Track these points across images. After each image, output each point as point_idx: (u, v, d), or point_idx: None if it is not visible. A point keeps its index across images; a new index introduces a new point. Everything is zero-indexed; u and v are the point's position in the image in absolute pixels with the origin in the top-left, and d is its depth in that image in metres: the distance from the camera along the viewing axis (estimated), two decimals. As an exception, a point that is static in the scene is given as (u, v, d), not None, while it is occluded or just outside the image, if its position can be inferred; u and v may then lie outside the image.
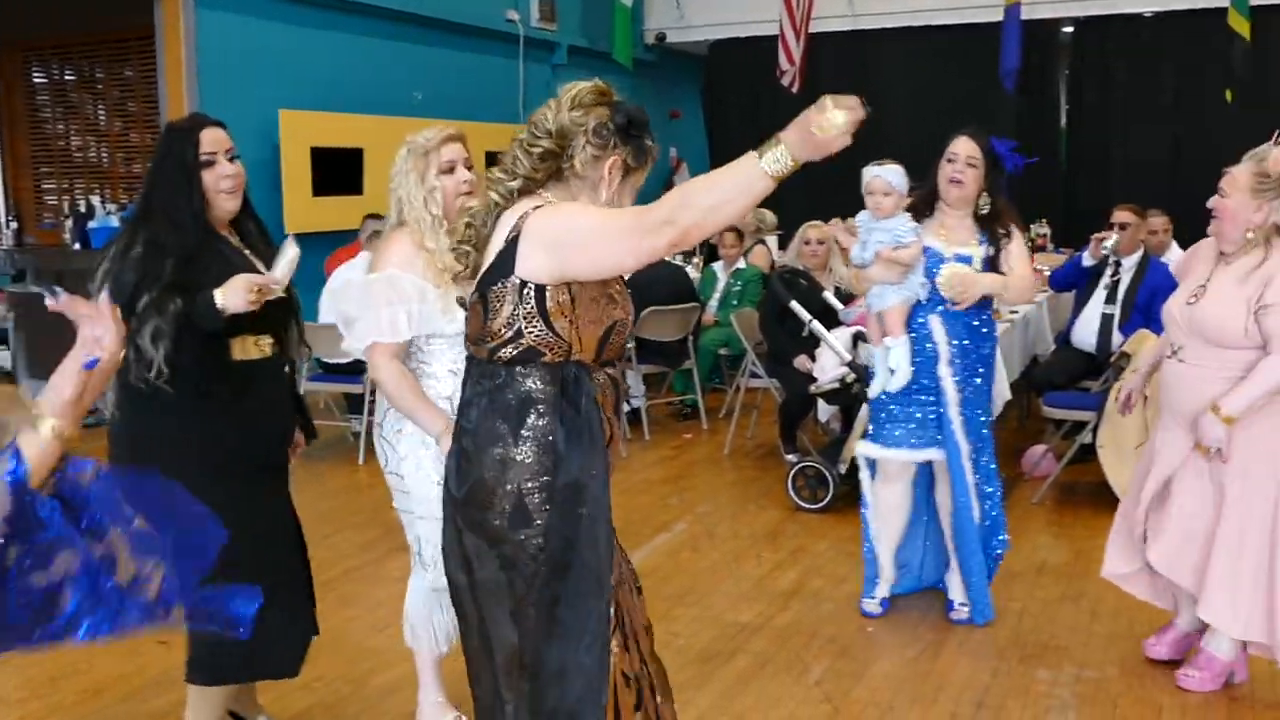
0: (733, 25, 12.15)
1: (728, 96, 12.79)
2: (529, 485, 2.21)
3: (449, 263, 2.78)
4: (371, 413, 6.72)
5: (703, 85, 13.18)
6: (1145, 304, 6.01)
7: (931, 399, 4.05)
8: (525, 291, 2.20)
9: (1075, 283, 6.47)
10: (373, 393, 6.75)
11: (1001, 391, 5.68)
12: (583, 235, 2.17)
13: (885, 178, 3.98)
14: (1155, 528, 3.64)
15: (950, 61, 11.71)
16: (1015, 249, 4.04)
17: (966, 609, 4.19)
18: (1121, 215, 6.23)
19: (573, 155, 2.27)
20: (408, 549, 3.24)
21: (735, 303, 7.66)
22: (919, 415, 4.07)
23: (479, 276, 2.29)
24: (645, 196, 2.29)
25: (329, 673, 3.77)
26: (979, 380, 4.10)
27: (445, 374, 3.01)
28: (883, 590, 4.30)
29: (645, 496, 5.91)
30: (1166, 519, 3.60)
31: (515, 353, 2.22)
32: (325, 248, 7.88)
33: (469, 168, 3.08)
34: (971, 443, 4.07)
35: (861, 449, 4.26)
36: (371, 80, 9.39)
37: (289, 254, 2.93)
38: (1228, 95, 10.17)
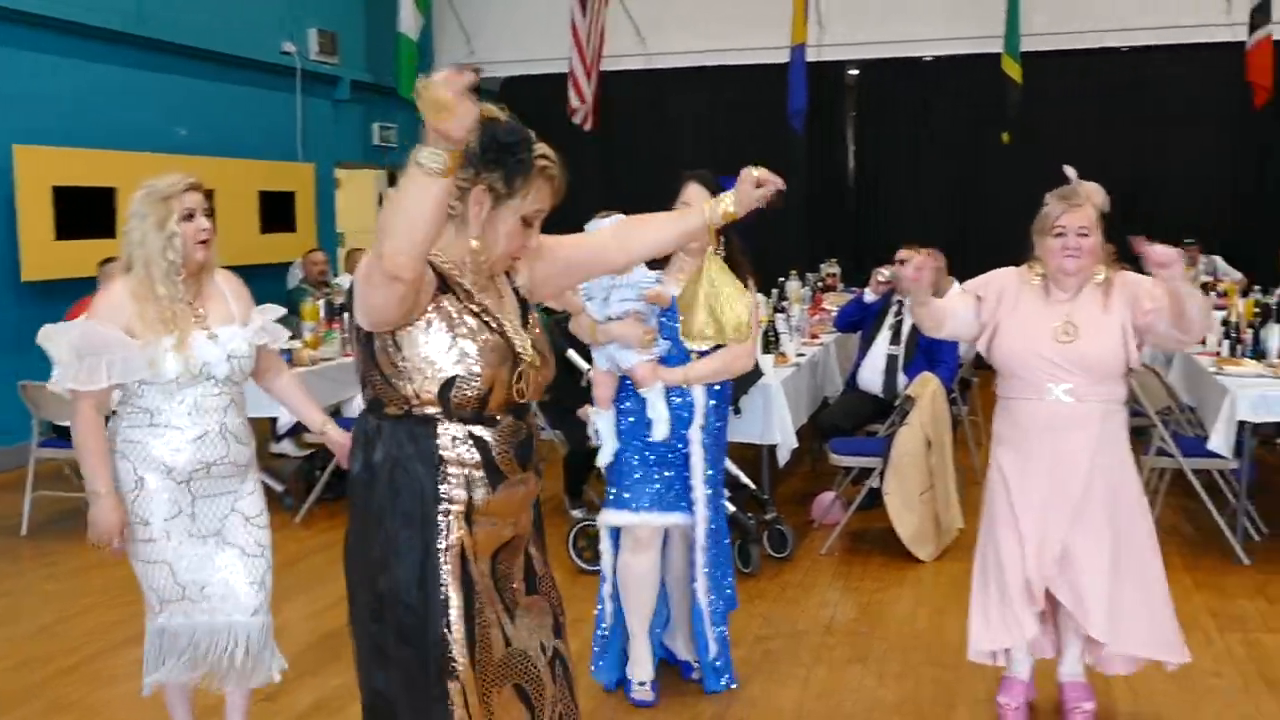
0: (525, 62, 11.88)
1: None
2: (367, 538, 2.27)
3: (176, 311, 2.94)
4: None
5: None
6: (928, 345, 5.96)
7: (676, 464, 3.75)
8: (360, 338, 2.22)
9: (859, 322, 6.38)
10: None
11: (787, 440, 5.53)
12: (359, 284, 2.11)
13: None
14: (1077, 592, 3.40)
15: (741, 101, 11.80)
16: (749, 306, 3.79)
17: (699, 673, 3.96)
18: (904, 254, 6.18)
19: None
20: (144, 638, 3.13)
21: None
22: (662, 477, 3.74)
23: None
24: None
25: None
26: (720, 450, 3.88)
27: (182, 418, 3.00)
28: (645, 670, 3.88)
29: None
30: (1084, 579, 3.38)
31: (370, 399, 2.29)
32: (70, 296, 7.14)
33: (208, 216, 3.05)
34: (710, 517, 3.79)
35: (604, 519, 3.82)
36: (127, 114, 8.67)
37: None
38: (1005, 137, 10.50)
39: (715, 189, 3.56)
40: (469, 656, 2.22)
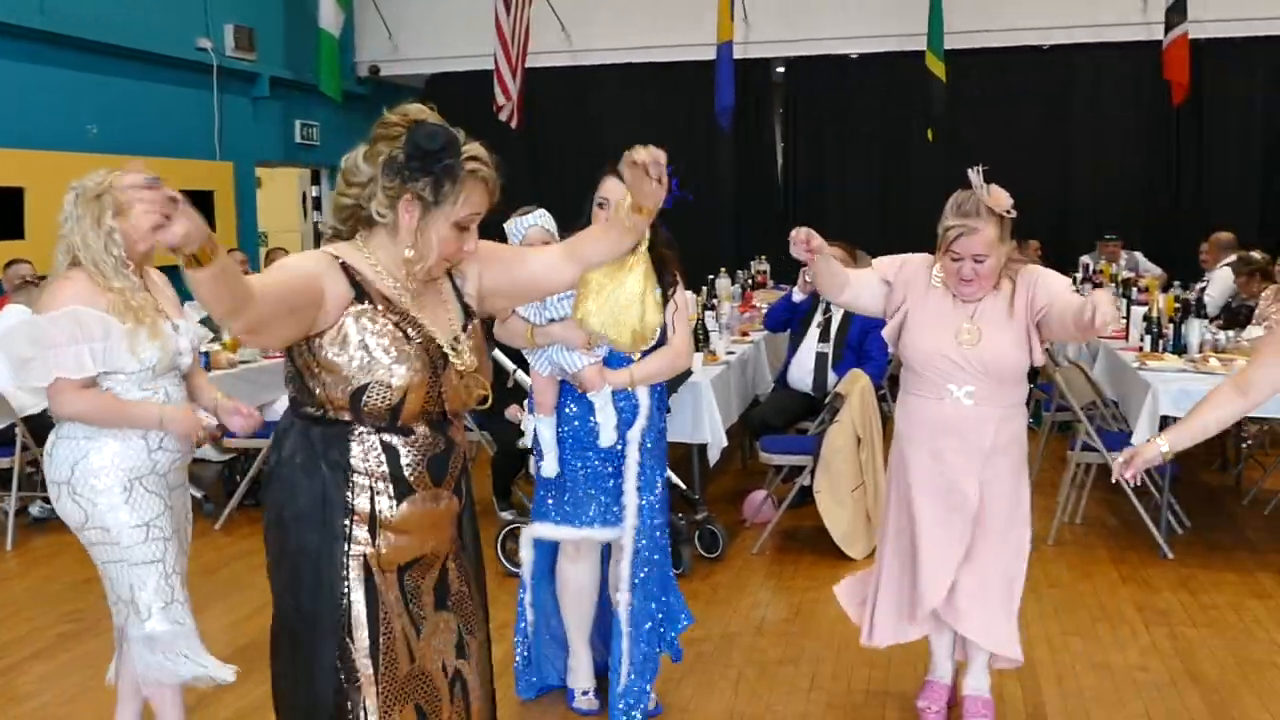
0: (449, 59, 11.73)
1: (446, 132, 12.33)
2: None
3: (140, 300, 2.95)
4: (25, 488, 5.97)
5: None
6: (857, 342, 5.97)
7: (611, 473, 3.58)
8: None
9: (787, 321, 6.37)
10: (33, 464, 6.10)
11: (718, 439, 5.49)
12: None
13: (543, 225, 3.57)
14: (969, 593, 3.40)
15: (668, 98, 11.75)
16: (679, 303, 3.61)
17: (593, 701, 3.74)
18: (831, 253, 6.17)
19: (370, 200, 2.13)
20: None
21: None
22: (599, 488, 3.58)
23: None
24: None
25: None
26: (659, 456, 3.68)
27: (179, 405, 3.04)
28: (585, 679, 3.78)
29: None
30: (973, 577, 3.38)
31: None
32: (-27, 300, 6.88)
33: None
34: (646, 529, 3.58)
35: (533, 532, 3.67)
36: (33, 112, 8.36)
37: None
38: (929, 134, 10.60)
39: None
40: (374, 668, 2.15)
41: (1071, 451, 5.66)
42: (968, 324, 3.31)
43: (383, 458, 2.17)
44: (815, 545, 5.44)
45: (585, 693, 3.77)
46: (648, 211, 2.32)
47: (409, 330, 2.17)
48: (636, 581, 3.55)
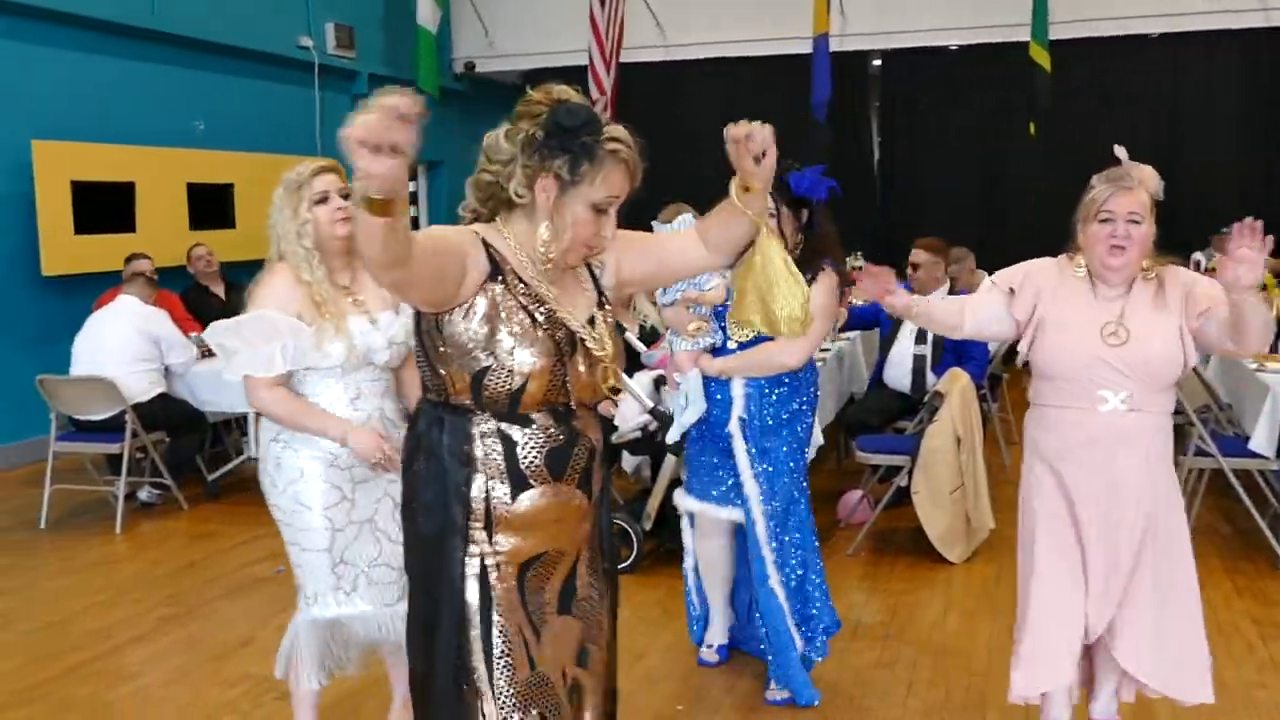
0: (544, 55, 11.78)
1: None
2: None
3: (326, 294, 2.99)
4: (134, 473, 6.15)
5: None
6: (955, 343, 5.82)
7: (727, 456, 3.71)
8: None
9: (873, 321, 6.26)
10: (142, 450, 6.27)
11: (815, 437, 5.39)
12: None
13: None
14: (1118, 628, 3.08)
15: (763, 93, 11.63)
16: (815, 296, 3.58)
17: (783, 693, 3.77)
18: (916, 255, 6.07)
19: (509, 179, 2.11)
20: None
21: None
22: (719, 470, 3.75)
23: None
24: (460, 221, 2.15)
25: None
26: (777, 441, 3.68)
27: (345, 405, 3.04)
28: (717, 635, 4.00)
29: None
30: (1127, 612, 3.06)
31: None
32: (90, 291, 7.13)
33: (345, 196, 3.05)
34: (768, 511, 3.67)
35: (677, 499, 3.96)
36: (144, 109, 8.61)
37: None
38: (1031, 129, 10.32)
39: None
40: (487, 668, 2.12)
41: (1184, 456, 5.42)
42: (1115, 321, 2.99)
43: (500, 448, 2.13)
44: (912, 547, 5.33)
45: (710, 646, 4.03)
46: (756, 190, 2.21)
47: (538, 314, 2.13)
48: (759, 574, 3.69)
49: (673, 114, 11.84)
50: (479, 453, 2.13)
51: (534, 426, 2.14)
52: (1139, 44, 10.73)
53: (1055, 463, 3.08)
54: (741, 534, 3.83)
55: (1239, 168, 10.80)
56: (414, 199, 12.47)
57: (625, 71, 10.91)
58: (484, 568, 2.13)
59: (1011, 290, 3.15)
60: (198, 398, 6.37)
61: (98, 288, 7.09)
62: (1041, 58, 10.10)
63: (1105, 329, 2.99)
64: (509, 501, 2.14)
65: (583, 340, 2.17)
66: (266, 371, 2.99)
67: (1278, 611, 4.55)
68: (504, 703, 2.13)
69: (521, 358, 2.09)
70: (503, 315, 2.10)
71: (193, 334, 6.68)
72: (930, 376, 5.84)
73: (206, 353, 6.20)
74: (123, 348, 6.06)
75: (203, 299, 7.66)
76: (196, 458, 6.67)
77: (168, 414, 6.24)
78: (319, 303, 3.00)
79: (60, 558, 5.59)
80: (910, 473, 5.24)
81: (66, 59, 7.97)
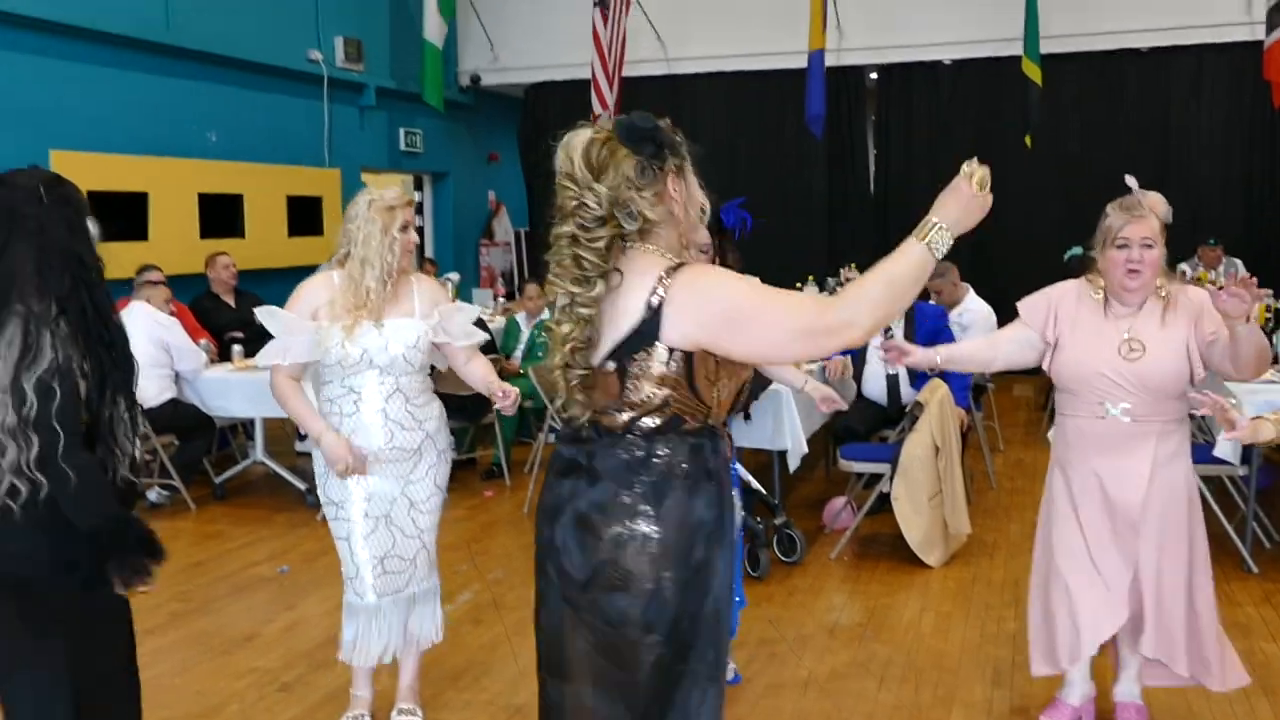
0: (548, 68, 12.02)
1: (545, 140, 12.52)
2: (666, 575, 2.10)
3: (358, 301, 3.35)
4: (143, 474, 6.34)
5: (519, 128, 12.98)
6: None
7: None
8: (673, 359, 2.07)
9: None
10: (151, 453, 6.49)
11: (798, 446, 5.60)
12: (744, 319, 2.04)
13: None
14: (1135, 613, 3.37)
15: (761, 107, 11.84)
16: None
17: None
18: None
19: (637, 213, 2.10)
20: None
21: (540, 355, 7.42)
22: None
23: (610, 346, 2.11)
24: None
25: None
26: None
27: (350, 403, 3.43)
28: None
29: (435, 564, 5.56)
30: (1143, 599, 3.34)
31: (658, 423, 2.11)
32: (101, 300, 7.31)
33: (418, 231, 3.57)
34: None
35: None
36: (157, 120, 8.85)
37: None
38: (1027, 141, 10.50)
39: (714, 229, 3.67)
40: None
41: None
42: (1127, 338, 3.28)
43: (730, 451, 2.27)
44: (892, 552, 5.52)
45: None
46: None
47: None
48: None
49: (674, 126, 12.03)
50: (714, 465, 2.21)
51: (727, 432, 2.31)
52: (1129, 57, 10.92)
53: (1064, 466, 3.42)
54: None
55: (1226, 179, 10.96)
56: (419, 209, 12.70)
57: (627, 85, 11.11)
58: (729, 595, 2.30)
59: (1037, 316, 3.46)
60: (206, 403, 6.61)
61: (112, 294, 7.29)
62: (1033, 72, 10.28)
63: (1119, 346, 3.28)
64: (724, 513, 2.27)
65: None
66: (280, 360, 3.41)
67: (1240, 613, 4.73)
68: None
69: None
70: None
71: (201, 341, 6.92)
72: (907, 390, 6.03)
73: (214, 360, 6.44)
74: (135, 353, 6.25)
75: (215, 307, 7.88)
76: (204, 461, 6.90)
77: (177, 418, 6.47)
78: (349, 308, 3.36)
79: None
80: (891, 479, 5.43)
81: (85, 73, 8.21)
